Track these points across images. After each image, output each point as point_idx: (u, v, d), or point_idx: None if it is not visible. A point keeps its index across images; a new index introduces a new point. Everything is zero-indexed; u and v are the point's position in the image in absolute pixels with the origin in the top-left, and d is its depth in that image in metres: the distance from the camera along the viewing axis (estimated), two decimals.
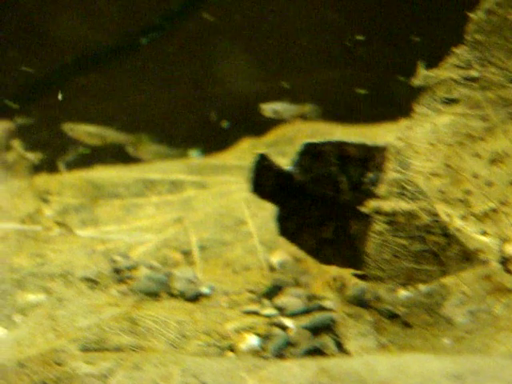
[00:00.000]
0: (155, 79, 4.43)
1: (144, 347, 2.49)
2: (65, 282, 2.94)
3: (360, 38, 3.94)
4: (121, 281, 3.04)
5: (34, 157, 3.95)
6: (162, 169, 3.97)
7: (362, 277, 2.47)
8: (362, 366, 1.96)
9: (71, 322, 2.58)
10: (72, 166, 4.22)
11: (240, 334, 2.64)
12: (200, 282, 3.03)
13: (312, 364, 2.01)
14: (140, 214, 3.65)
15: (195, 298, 2.95)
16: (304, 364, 2.02)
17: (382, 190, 2.35)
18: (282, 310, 2.81)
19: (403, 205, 2.34)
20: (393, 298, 2.44)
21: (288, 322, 2.70)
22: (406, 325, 2.39)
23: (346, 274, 2.58)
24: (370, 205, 2.35)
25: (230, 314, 2.78)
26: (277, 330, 2.66)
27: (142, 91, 4.42)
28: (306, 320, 2.69)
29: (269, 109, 3.96)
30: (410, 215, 2.34)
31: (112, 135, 4.28)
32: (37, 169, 3.98)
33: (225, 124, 4.40)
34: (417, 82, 2.35)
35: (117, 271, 3.10)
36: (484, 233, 2.33)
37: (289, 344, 2.59)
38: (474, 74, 2.34)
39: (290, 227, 2.63)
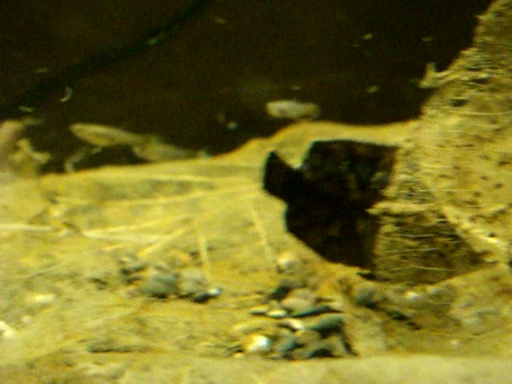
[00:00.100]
0: (163, 80, 4.43)
1: (153, 348, 2.50)
2: (73, 282, 2.94)
3: (369, 38, 3.94)
4: (129, 282, 3.04)
5: (41, 157, 3.96)
6: (169, 170, 3.97)
7: (367, 276, 2.47)
8: (371, 368, 1.95)
9: (80, 323, 2.59)
10: (80, 166, 4.23)
11: (248, 335, 2.64)
12: (208, 283, 3.03)
13: (321, 365, 2.01)
14: (148, 215, 3.65)
15: (203, 299, 2.95)
16: (313, 365, 2.02)
17: (390, 191, 2.35)
18: (290, 312, 2.81)
19: (412, 206, 2.33)
20: (401, 300, 2.43)
21: (296, 324, 2.70)
22: (414, 326, 2.39)
23: (354, 275, 2.58)
24: (379, 206, 2.35)
25: (238, 315, 2.78)
26: (285, 332, 2.66)
27: (149, 92, 4.42)
28: (314, 321, 2.69)
29: (275, 108, 3.96)
30: (419, 217, 2.34)
31: (120, 136, 4.28)
32: (45, 169, 3.98)
33: (232, 125, 4.40)
34: (426, 83, 2.35)
35: (125, 272, 3.10)
36: (492, 234, 2.33)
37: (297, 345, 2.58)
38: (482, 75, 2.33)
39: (297, 224, 2.64)
